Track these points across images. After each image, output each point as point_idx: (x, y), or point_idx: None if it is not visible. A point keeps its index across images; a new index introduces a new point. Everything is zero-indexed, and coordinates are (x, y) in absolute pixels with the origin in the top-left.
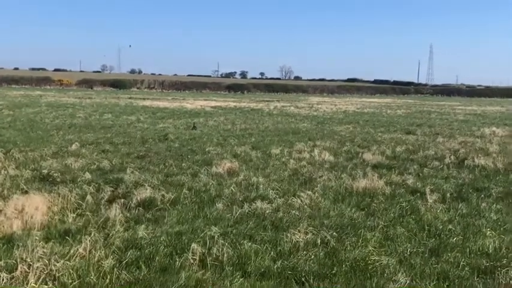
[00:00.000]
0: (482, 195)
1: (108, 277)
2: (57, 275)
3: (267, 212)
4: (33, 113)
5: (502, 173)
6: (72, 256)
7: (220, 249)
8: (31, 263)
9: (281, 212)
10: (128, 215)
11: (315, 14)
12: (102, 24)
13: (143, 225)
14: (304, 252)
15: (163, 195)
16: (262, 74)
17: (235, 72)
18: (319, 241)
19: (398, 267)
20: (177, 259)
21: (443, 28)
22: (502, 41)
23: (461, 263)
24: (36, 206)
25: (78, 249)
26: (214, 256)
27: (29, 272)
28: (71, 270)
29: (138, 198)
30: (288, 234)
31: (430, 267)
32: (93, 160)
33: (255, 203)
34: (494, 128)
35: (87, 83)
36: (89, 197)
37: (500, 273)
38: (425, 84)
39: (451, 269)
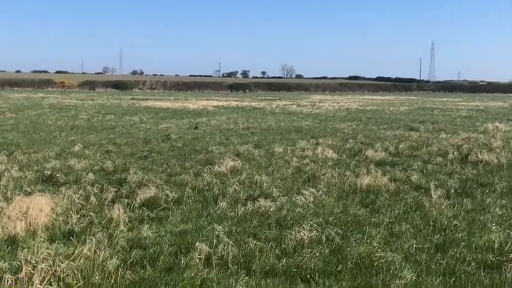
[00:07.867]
0: (487, 191)
1: (113, 277)
2: (61, 275)
3: (271, 210)
4: (36, 115)
5: (505, 168)
6: (77, 257)
7: (225, 248)
8: (36, 264)
9: (285, 209)
10: (132, 214)
11: (315, 13)
12: (103, 25)
13: (147, 225)
14: (309, 249)
15: (166, 195)
16: (263, 73)
17: (237, 72)
18: (324, 238)
19: (404, 263)
20: (182, 258)
21: (444, 25)
22: (503, 37)
23: (467, 258)
24: (40, 207)
25: (82, 250)
26: (219, 255)
27: (34, 273)
28: (75, 270)
29: (142, 198)
30: (293, 232)
31: (436, 263)
32: (96, 161)
33: (259, 201)
34: (497, 124)
35: (89, 85)
36: (92, 198)
37: (507, 267)
38: (428, 81)
39: (457, 265)
